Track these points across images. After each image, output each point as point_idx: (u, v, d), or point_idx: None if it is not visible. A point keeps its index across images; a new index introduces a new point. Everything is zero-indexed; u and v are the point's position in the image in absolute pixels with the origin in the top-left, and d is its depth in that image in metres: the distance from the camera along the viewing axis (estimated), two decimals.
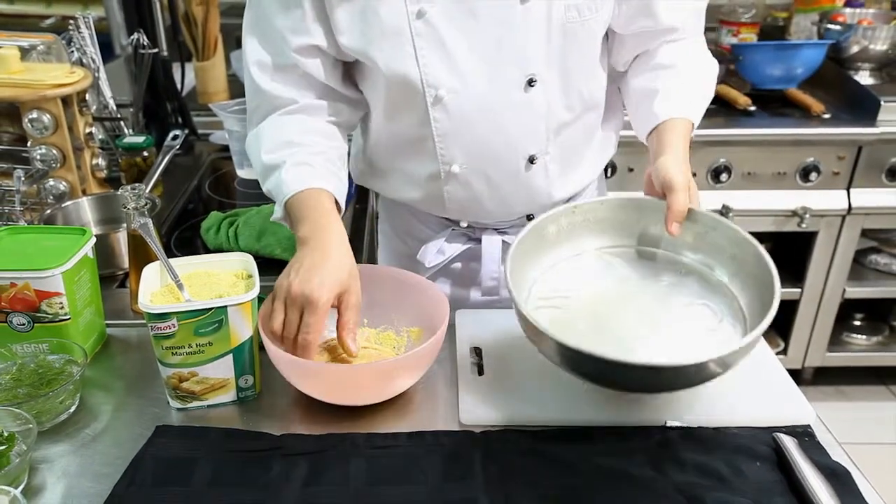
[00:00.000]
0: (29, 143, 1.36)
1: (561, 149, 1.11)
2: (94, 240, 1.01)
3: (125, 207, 1.00)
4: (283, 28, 1.00)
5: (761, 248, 0.89)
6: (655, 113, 1.05)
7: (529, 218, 1.18)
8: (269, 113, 1.06)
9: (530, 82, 1.01)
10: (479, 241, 1.20)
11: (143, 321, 0.88)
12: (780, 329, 2.47)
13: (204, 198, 1.62)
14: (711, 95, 1.11)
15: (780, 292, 0.84)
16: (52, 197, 1.37)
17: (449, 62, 0.99)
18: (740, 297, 0.92)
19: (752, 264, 0.91)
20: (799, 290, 2.37)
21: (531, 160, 1.08)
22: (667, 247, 1.00)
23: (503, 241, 1.19)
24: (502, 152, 1.07)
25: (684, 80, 1.07)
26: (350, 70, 1.09)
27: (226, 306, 0.87)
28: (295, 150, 1.01)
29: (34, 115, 1.32)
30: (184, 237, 1.41)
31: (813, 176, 2.18)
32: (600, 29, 1.05)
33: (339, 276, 0.89)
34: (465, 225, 1.20)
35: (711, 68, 1.13)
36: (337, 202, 1.00)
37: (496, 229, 1.19)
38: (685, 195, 0.94)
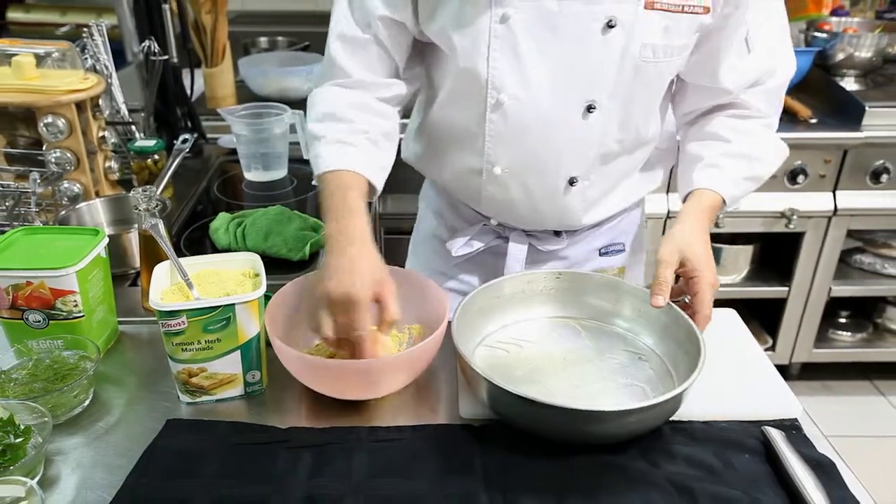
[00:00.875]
0: (44, 147, 1.36)
1: (603, 177, 1.10)
2: (106, 240, 1.01)
3: (136, 209, 1.00)
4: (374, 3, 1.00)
5: (701, 338, 0.88)
6: (692, 180, 1.05)
7: (557, 233, 1.19)
8: (330, 79, 1.06)
9: (590, 108, 1.01)
10: (507, 238, 1.20)
11: (154, 318, 0.88)
12: (769, 326, 2.47)
13: (212, 199, 1.62)
14: (765, 178, 1.10)
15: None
16: (66, 198, 1.37)
17: (518, 70, 0.99)
18: (676, 378, 0.91)
19: (688, 349, 0.90)
20: (786, 288, 2.37)
21: (571, 182, 1.08)
22: (634, 329, 1.00)
23: (530, 244, 1.19)
24: (546, 168, 1.07)
25: (732, 157, 1.06)
26: (421, 51, 1.09)
27: (234, 304, 0.87)
28: (336, 126, 1.02)
29: (49, 119, 1.32)
30: (193, 237, 1.41)
31: (800, 179, 2.18)
32: (670, 73, 1.04)
33: (371, 272, 0.89)
34: (496, 223, 1.20)
35: (774, 153, 1.11)
36: (372, 184, 1.01)
37: (525, 232, 1.19)
38: (666, 271, 0.93)
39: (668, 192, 2.18)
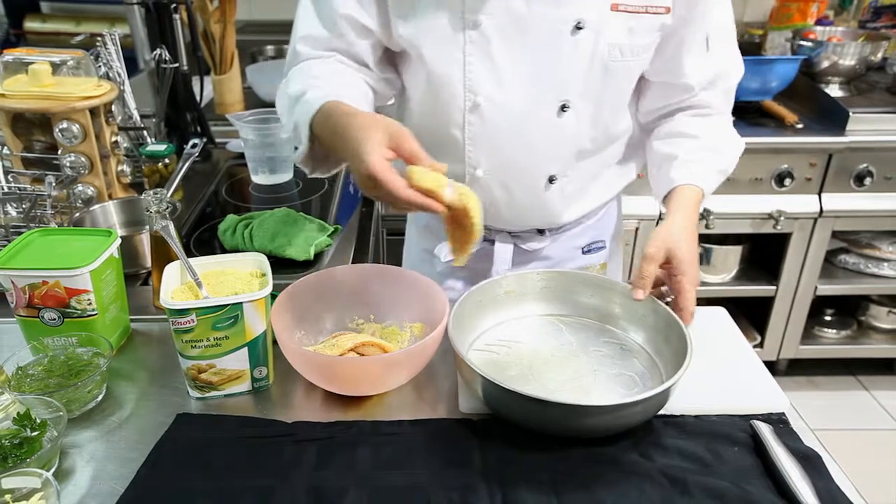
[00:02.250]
0: (59, 152, 1.36)
1: (580, 173, 1.10)
2: (119, 241, 1.01)
3: (148, 211, 1.00)
4: (339, 2, 0.98)
5: (688, 336, 0.88)
6: (671, 178, 1.05)
7: (540, 231, 1.19)
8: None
9: (563, 107, 1.01)
10: (492, 242, 1.20)
11: (165, 316, 0.88)
12: (757, 324, 2.47)
13: (221, 202, 1.62)
14: (730, 170, 1.10)
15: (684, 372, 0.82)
16: (80, 201, 1.37)
17: (493, 73, 0.99)
18: (664, 373, 0.91)
19: (675, 342, 0.90)
20: (774, 287, 2.37)
21: (551, 180, 1.08)
22: (623, 326, 1.00)
23: (515, 245, 1.19)
24: (525, 167, 1.07)
25: (704, 151, 1.07)
26: (392, 57, 1.08)
27: (241, 303, 0.87)
28: (321, 81, 0.98)
29: (64, 125, 1.32)
30: (202, 238, 1.41)
31: (787, 181, 2.18)
32: (637, 71, 1.05)
33: (376, 138, 0.81)
34: None
35: (735, 145, 1.12)
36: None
37: (510, 233, 1.19)
38: (650, 266, 0.94)
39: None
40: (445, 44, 0.98)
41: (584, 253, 1.25)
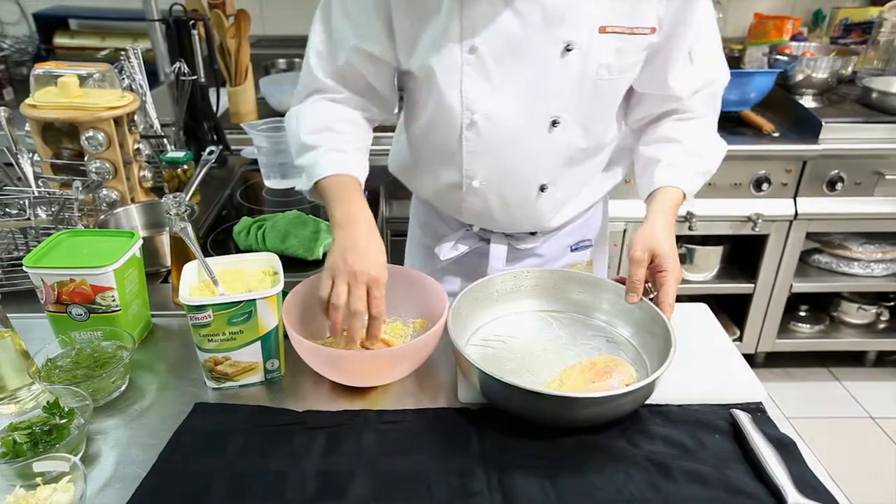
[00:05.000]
0: (86, 158, 1.36)
1: (569, 181, 1.10)
2: (141, 241, 1.01)
3: (168, 213, 1.00)
4: (349, 29, 0.99)
5: (672, 331, 0.87)
6: (654, 180, 1.04)
7: (532, 233, 1.19)
8: (313, 94, 1.06)
9: (554, 122, 1.01)
10: (488, 241, 1.20)
11: (184, 312, 0.88)
12: (736, 319, 2.47)
13: (236, 205, 1.62)
14: (712, 172, 1.09)
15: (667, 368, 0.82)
16: (105, 204, 1.37)
17: (488, 92, 0.99)
18: (649, 366, 0.91)
19: (660, 339, 0.90)
20: (752, 285, 2.36)
21: (542, 188, 1.08)
22: (607, 320, 1.00)
23: (509, 244, 1.19)
24: (519, 177, 1.07)
25: (687, 155, 1.06)
26: (402, 78, 1.09)
27: (255, 299, 0.87)
28: (332, 136, 1.02)
29: (90, 133, 1.32)
30: (218, 239, 1.41)
31: (764, 186, 2.18)
32: (624, 87, 1.04)
33: (383, 259, 0.90)
34: (477, 229, 1.19)
35: (717, 149, 1.11)
36: (362, 185, 1.01)
37: (504, 234, 1.19)
38: (639, 270, 0.93)
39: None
40: (447, 67, 0.98)
41: (572, 251, 1.26)
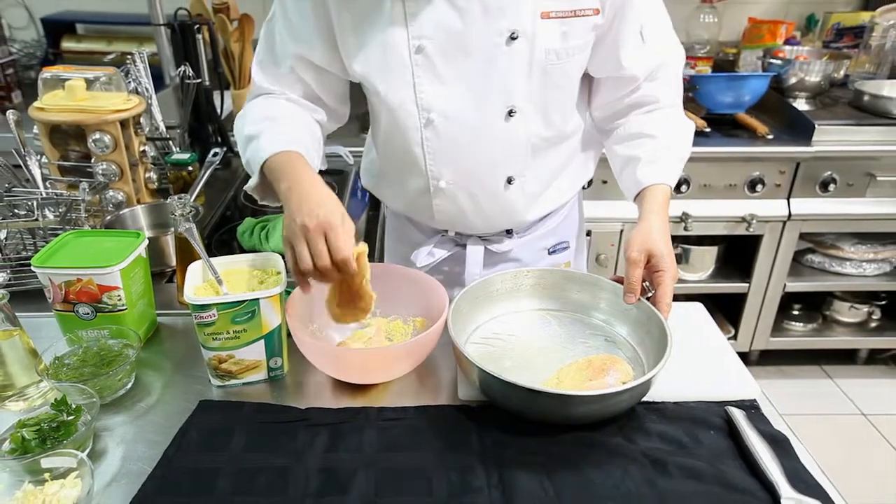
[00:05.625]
0: (92, 160, 1.36)
1: (537, 172, 1.09)
2: (146, 242, 1.01)
3: (173, 214, 1.00)
4: (290, 39, 0.99)
5: (668, 329, 0.87)
6: (639, 179, 1.03)
7: (508, 232, 1.18)
8: (259, 97, 1.05)
9: (510, 112, 1.00)
10: (464, 246, 1.18)
11: (188, 311, 0.88)
12: (731, 318, 2.47)
13: (239, 206, 1.62)
14: (688, 155, 1.09)
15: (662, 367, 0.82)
16: (111, 205, 1.37)
17: (441, 90, 0.98)
18: (646, 364, 0.91)
19: (656, 338, 0.90)
20: (747, 284, 2.37)
21: (509, 181, 1.07)
22: (605, 319, 1.00)
23: (486, 248, 1.18)
24: (484, 172, 1.05)
25: (664, 148, 1.05)
26: (349, 88, 1.08)
27: (258, 298, 0.87)
28: (275, 123, 0.98)
29: (97, 136, 1.32)
30: (222, 239, 1.41)
31: (759, 187, 2.18)
32: (576, 72, 1.03)
33: (335, 204, 0.84)
34: (453, 233, 1.18)
35: (688, 131, 1.10)
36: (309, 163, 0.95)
37: (480, 237, 1.18)
38: (636, 271, 0.93)
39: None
40: (397, 70, 0.97)
41: (549, 254, 1.24)
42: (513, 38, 0.94)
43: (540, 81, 0.99)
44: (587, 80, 1.09)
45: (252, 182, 0.98)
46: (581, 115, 1.11)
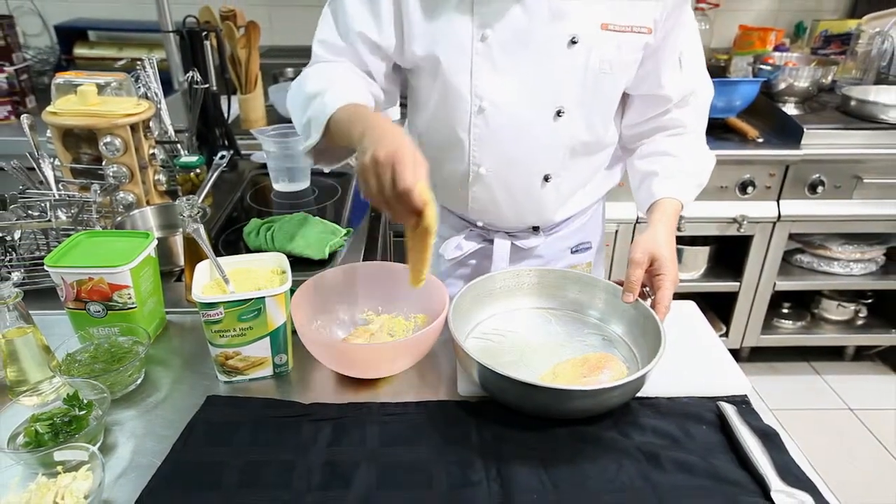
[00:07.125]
0: (104, 163, 1.36)
1: (572, 174, 1.10)
2: (155, 242, 1.01)
3: (181, 215, 1.00)
4: (355, 15, 0.98)
5: (663, 330, 0.87)
6: (653, 192, 1.05)
7: (535, 229, 1.18)
8: (316, 63, 1.04)
9: (559, 113, 1.01)
10: (491, 241, 1.19)
11: (196, 309, 0.88)
12: (723, 316, 2.47)
13: (246, 207, 1.62)
14: (704, 182, 1.10)
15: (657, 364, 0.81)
16: (122, 206, 1.37)
17: (497, 80, 0.99)
18: (640, 362, 0.90)
19: (651, 338, 0.89)
20: (738, 283, 2.36)
21: (546, 178, 1.08)
22: (602, 318, 1.00)
23: (512, 244, 1.18)
24: (523, 166, 1.06)
25: (682, 167, 1.07)
26: (398, 73, 1.08)
27: (264, 297, 0.86)
28: (339, 81, 0.96)
29: (108, 139, 1.32)
30: (229, 239, 1.41)
31: (749, 189, 2.18)
32: (623, 84, 1.05)
33: (408, 142, 0.77)
34: (481, 225, 1.18)
35: (708, 161, 1.11)
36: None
37: (507, 232, 1.18)
38: (637, 271, 0.93)
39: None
40: (458, 55, 0.98)
41: (572, 252, 1.25)
42: (573, 42, 0.96)
43: (590, 87, 1.00)
44: (622, 98, 1.10)
45: (311, 140, 0.94)
46: (617, 127, 1.13)
